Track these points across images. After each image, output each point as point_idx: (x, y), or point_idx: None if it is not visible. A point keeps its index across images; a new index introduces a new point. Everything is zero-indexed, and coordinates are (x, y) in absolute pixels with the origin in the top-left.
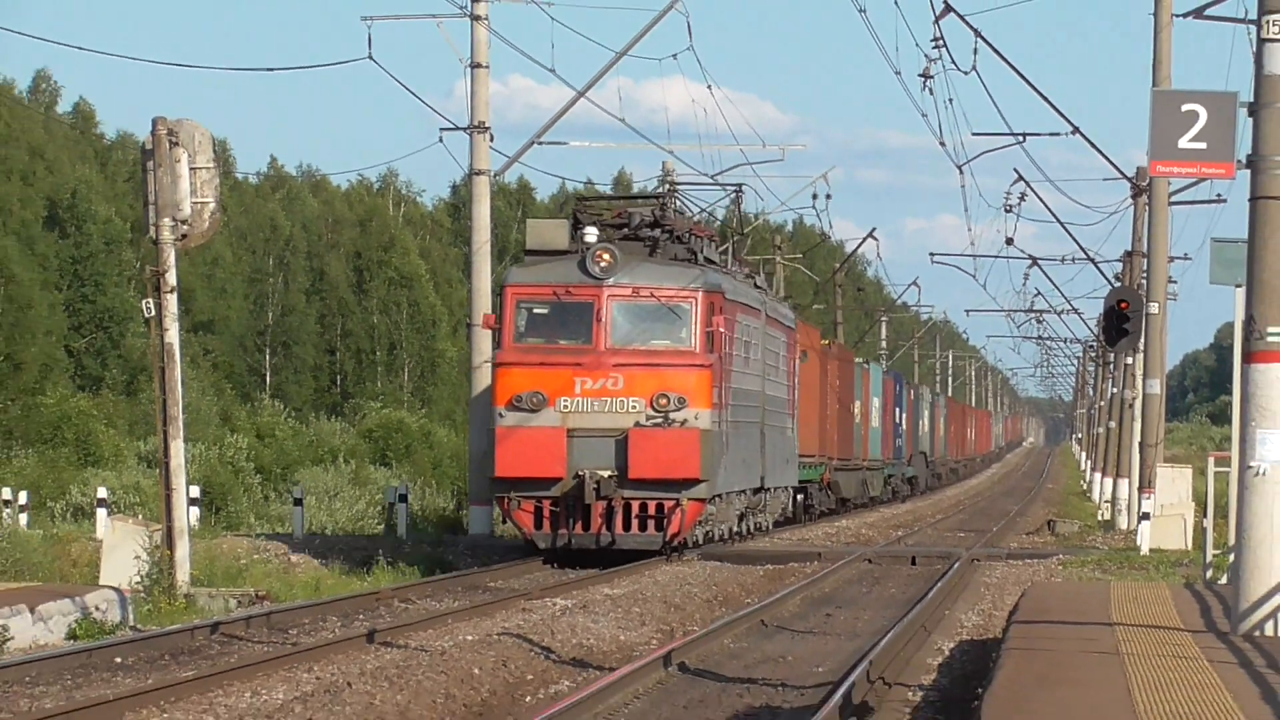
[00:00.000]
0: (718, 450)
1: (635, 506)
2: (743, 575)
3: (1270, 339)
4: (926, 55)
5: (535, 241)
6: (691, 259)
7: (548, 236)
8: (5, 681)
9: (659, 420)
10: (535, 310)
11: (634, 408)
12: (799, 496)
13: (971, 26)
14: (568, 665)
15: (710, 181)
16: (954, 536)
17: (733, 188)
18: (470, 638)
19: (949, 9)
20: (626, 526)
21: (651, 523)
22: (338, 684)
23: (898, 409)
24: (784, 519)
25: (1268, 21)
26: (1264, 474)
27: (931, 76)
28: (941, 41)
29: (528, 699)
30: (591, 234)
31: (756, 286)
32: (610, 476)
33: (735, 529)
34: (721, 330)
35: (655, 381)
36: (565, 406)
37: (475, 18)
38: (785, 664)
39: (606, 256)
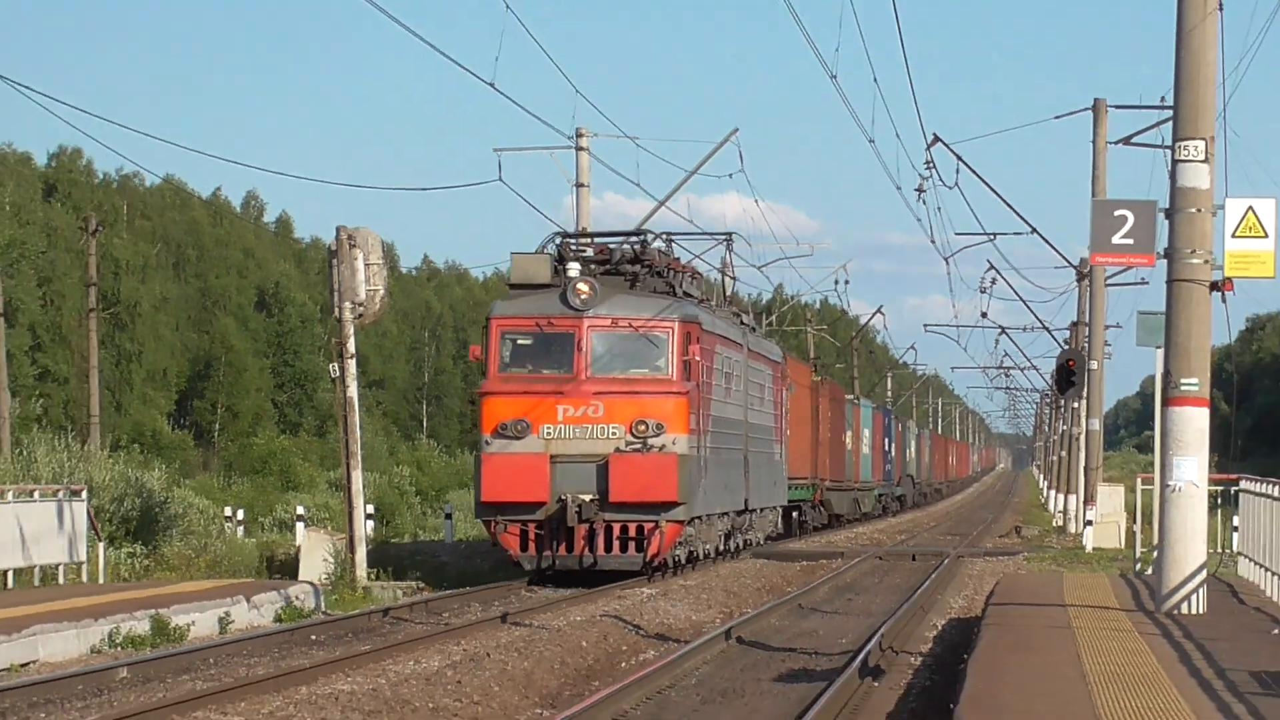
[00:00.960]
0: (695, 474)
1: (616, 529)
2: (785, 570)
3: (1183, 388)
4: (920, 174)
5: (519, 276)
6: (670, 292)
7: (531, 271)
8: (228, 654)
9: (638, 446)
10: (519, 341)
11: (614, 434)
12: (794, 514)
13: (954, 153)
14: (653, 639)
15: (700, 232)
16: (944, 539)
17: (723, 236)
18: (579, 618)
19: (937, 139)
20: (608, 548)
21: (632, 544)
22: (479, 654)
23: (887, 439)
24: (776, 535)
25: (1179, 147)
26: (1179, 490)
27: (924, 190)
28: (931, 164)
29: (622, 665)
30: (574, 269)
31: (743, 324)
32: (592, 500)
33: (721, 547)
34: (698, 359)
35: (634, 408)
36: (548, 433)
37: (580, 148)
38: (817, 637)
39: (586, 289)
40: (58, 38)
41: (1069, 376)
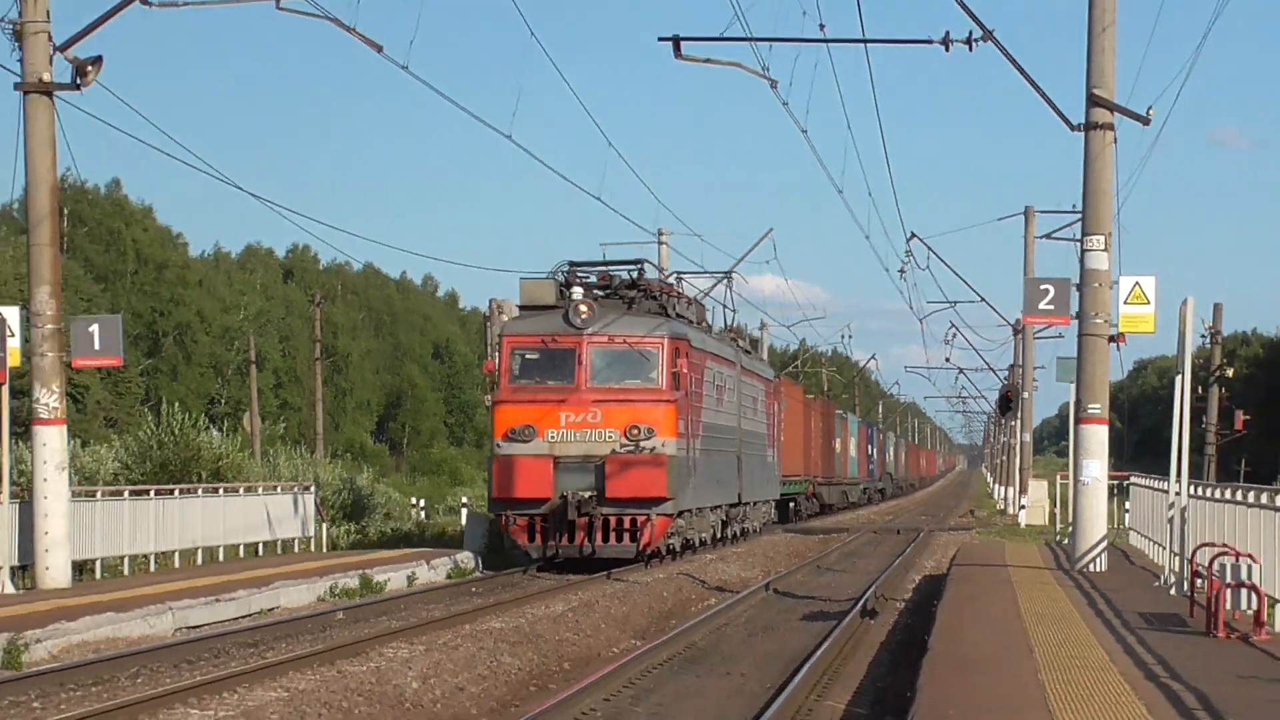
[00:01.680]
0: (684, 473)
1: (613, 521)
2: (807, 541)
3: (1089, 410)
4: (902, 260)
5: (527, 299)
6: (662, 313)
7: (538, 294)
8: (414, 601)
9: (631, 448)
10: (527, 356)
11: (610, 437)
12: (790, 504)
13: (926, 245)
14: (714, 590)
15: (704, 270)
16: (919, 519)
17: (723, 274)
18: (662, 576)
19: (914, 235)
20: (605, 539)
21: (627, 535)
22: (591, 601)
23: (870, 445)
24: (773, 521)
25: (1086, 240)
26: (1088, 484)
27: (905, 271)
28: (910, 252)
29: (692, 609)
30: (577, 292)
31: (739, 347)
32: (590, 496)
33: (719, 535)
34: (685, 371)
35: (628, 415)
36: (552, 437)
37: (661, 242)
38: (830, 588)
39: (585, 309)
40: (291, 161)
41: (1008, 403)
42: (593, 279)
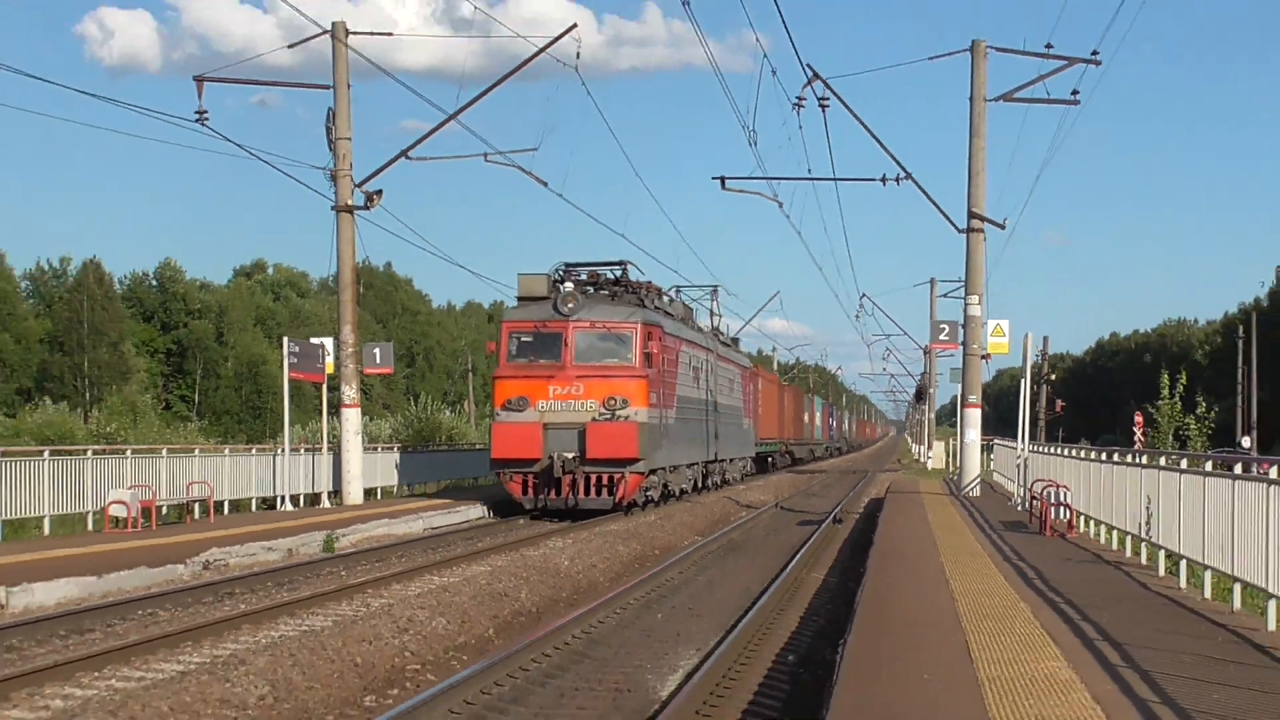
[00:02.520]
0: (655, 437)
1: (593, 478)
2: (800, 478)
3: (970, 400)
4: (857, 310)
5: (524, 291)
6: (640, 304)
7: (532, 287)
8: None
9: (608, 416)
10: (522, 339)
11: (591, 407)
12: (768, 459)
13: (874, 302)
14: (745, 507)
15: (692, 284)
16: (866, 465)
17: (710, 286)
18: (714, 499)
19: (864, 295)
20: (587, 493)
21: (605, 490)
22: (673, 513)
23: (831, 419)
24: (753, 471)
25: (967, 299)
26: (969, 444)
27: (859, 317)
28: (861, 305)
29: (732, 518)
30: (568, 286)
31: (721, 342)
32: (573, 457)
33: (700, 485)
34: (657, 352)
35: (606, 388)
36: (542, 407)
37: (714, 298)
38: (813, 506)
39: (571, 300)
40: (488, 249)
41: (921, 395)
42: (583, 276)
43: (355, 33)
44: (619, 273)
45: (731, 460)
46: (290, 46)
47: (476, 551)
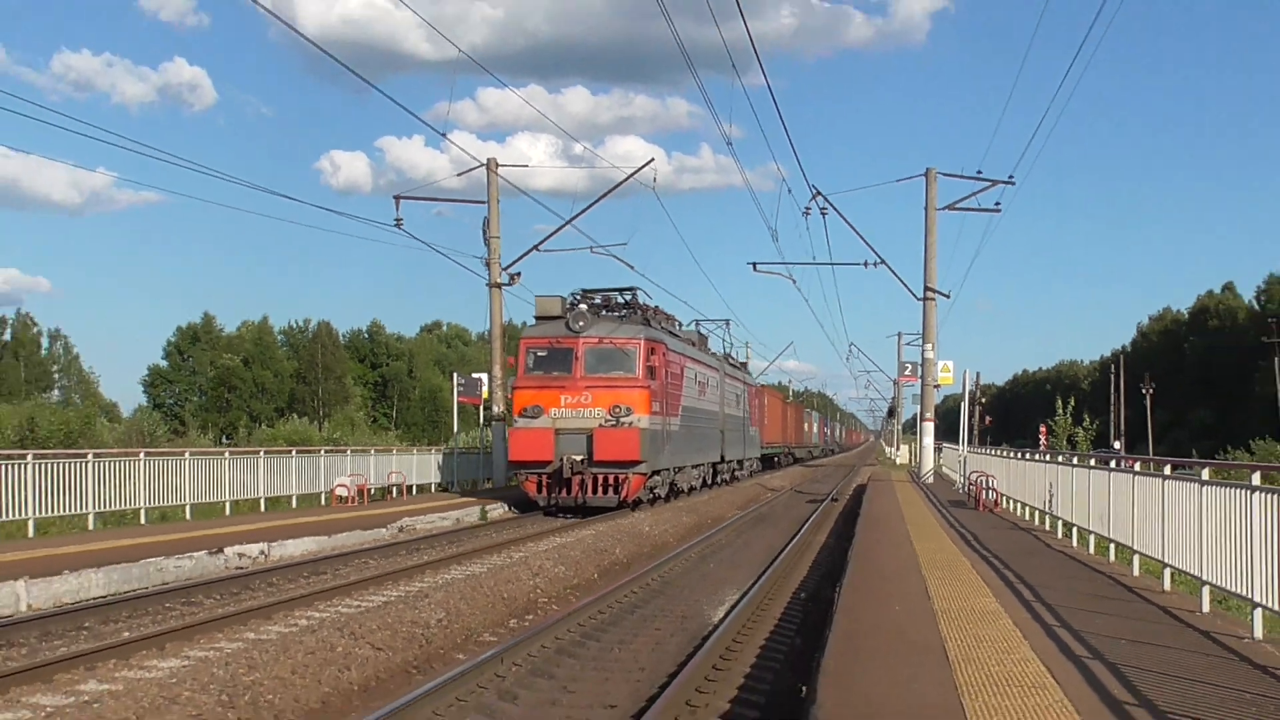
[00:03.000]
0: (657, 441)
1: (600, 479)
2: (807, 470)
3: (926, 416)
4: (849, 349)
5: (541, 311)
6: (646, 325)
7: (548, 307)
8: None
9: (613, 423)
10: (538, 354)
11: (598, 415)
12: (775, 459)
13: (859, 348)
14: (769, 490)
15: (709, 319)
16: (854, 463)
17: (723, 320)
18: (748, 483)
19: (853, 345)
20: (594, 492)
21: (610, 489)
22: (719, 495)
23: (825, 428)
24: (760, 469)
25: (924, 346)
26: (925, 447)
27: (849, 358)
28: (850, 349)
29: (761, 497)
30: (581, 308)
31: (731, 363)
32: (582, 460)
33: (709, 481)
34: (659, 366)
35: (611, 397)
36: (555, 415)
37: (729, 330)
38: (817, 489)
39: (582, 319)
40: None
41: (892, 412)
42: (597, 300)
43: (502, 165)
44: (629, 297)
45: (739, 460)
46: (458, 175)
47: (585, 520)
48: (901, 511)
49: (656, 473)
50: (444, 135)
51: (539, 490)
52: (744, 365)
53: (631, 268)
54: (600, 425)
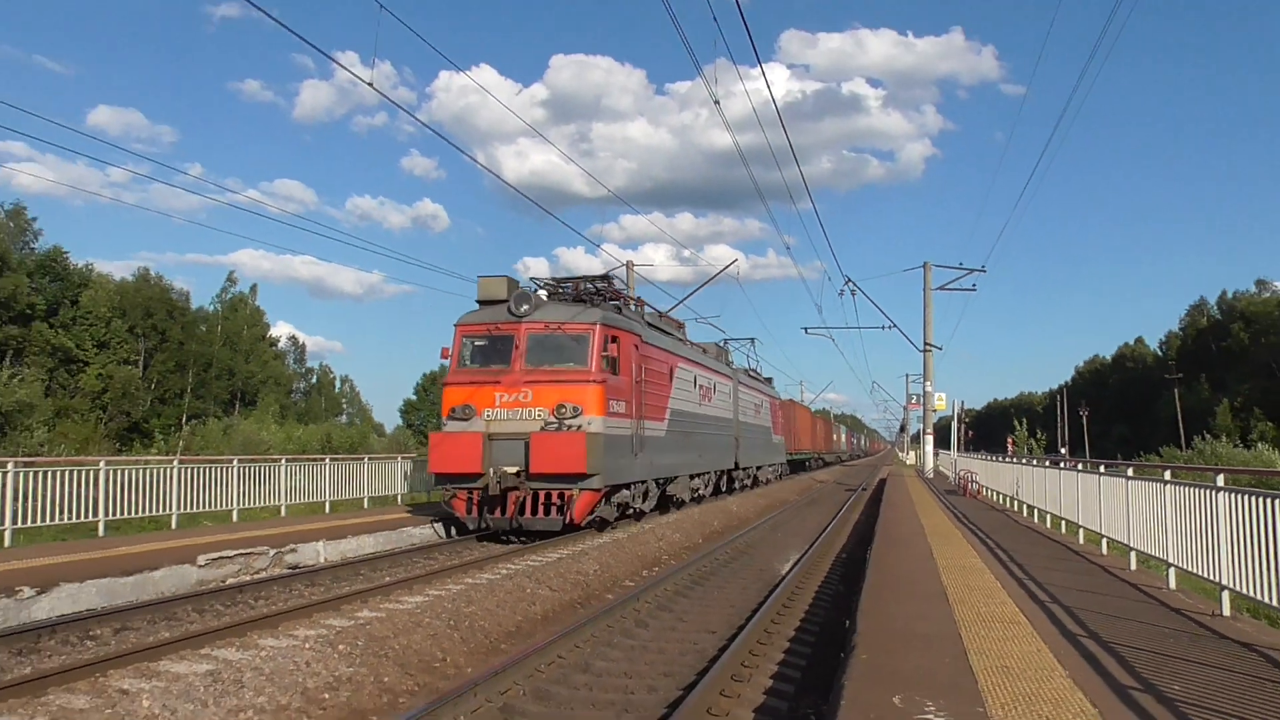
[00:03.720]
0: (615, 449)
1: (541, 495)
2: (839, 469)
3: (927, 432)
4: (871, 386)
5: (483, 294)
6: (616, 310)
7: (492, 290)
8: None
9: (555, 425)
10: (476, 343)
11: (539, 415)
12: (805, 464)
13: (879, 383)
14: (819, 483)
15: (736, 336)
16: (877, 465)
17: (748, 339)
18: (759, 495)
19: (875, 383)
20: (534, 512)
21: (554, 509)
22: (746, 499)
23: (852, 437)
24: (788, 473)
25: (924, 381)
26: (928, 452)
27: (872, 391)
28: (874, 385)
29: (812, 488)
30: (541, 294)
31: (754, 376)
32: (516, 472)
33: (723, 489)
34: (622, 357)
35: (556, 394)
36: (489, 416)
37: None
38: (851, 482)
39: (526, 301)
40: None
41: (903, 429)
42: (567, 289)
43: (637, 265)
44: (602, 285)
45: (760, 466)
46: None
47: (693, 500)
48: (910, 497)
49: (623, 487)
50: (598, 245)
51: (469, 510)
52: (769, 380)
53: (723, 332)
54: (541, 428)
